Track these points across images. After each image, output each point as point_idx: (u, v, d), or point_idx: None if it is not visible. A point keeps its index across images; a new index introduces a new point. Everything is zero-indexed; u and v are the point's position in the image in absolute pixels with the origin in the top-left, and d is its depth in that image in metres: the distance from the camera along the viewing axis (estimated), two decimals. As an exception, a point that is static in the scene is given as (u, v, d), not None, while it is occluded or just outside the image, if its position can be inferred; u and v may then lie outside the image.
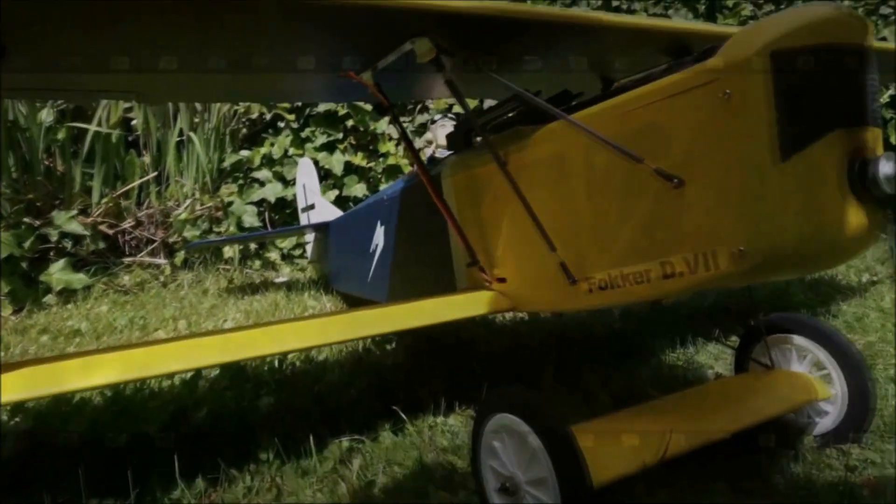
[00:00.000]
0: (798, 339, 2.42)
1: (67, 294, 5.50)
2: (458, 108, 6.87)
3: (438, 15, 1.95)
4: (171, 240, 6.62)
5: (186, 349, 1.97)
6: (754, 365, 2.55)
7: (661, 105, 1.75)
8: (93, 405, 2.82)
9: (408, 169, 7.00)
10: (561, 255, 2.10)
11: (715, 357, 3.30)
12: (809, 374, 2.36)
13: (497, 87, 3.01)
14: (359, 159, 7.11)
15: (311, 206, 5.91)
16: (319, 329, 2.18)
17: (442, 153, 3.44)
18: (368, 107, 7.08)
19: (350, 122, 7.15)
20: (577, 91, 2.44)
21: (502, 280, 2.47)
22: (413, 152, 2.65)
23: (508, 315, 3.97)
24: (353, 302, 4.63)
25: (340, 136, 7.16)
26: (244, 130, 7.42)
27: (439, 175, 2.72)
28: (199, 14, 1.87)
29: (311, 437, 2.31)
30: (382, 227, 3.50)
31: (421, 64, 2.26)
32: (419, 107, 7.25)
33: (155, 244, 6.55)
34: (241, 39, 2.17)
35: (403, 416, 2.48)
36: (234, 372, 3.02)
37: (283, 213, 7.09)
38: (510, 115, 2.44)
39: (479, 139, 2.65)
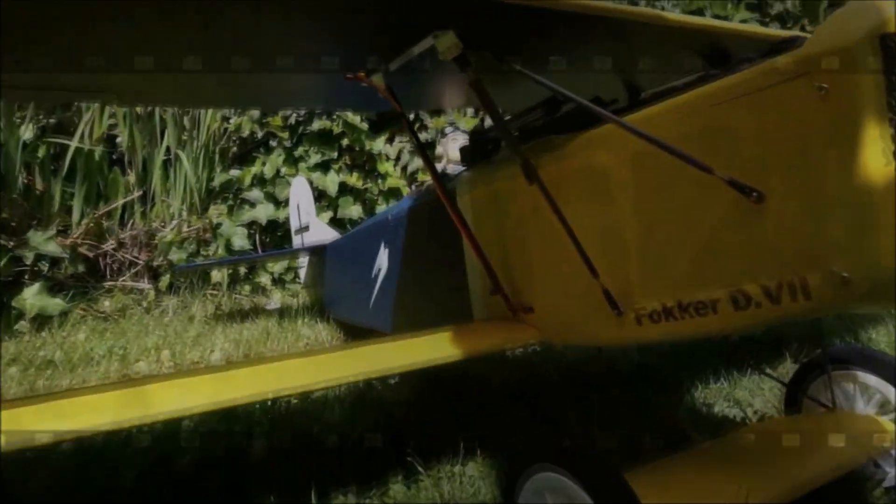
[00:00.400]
0: (863, 375, 2.16)
1: (42, 320, 5.17)
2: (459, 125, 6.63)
3: (468, 3, 1.69)
4: (155, 262, 6.34)
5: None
6: (809, 403, 2.28)
7: (736, 105, 1.49)
8: (60, 451, 2.48)
9: (407, 191, 6.75)
10: (604, 281, 1.82)
11: (751, 392, 3.02)
12: (879, 417, 2.09)
13: (512, 95, 2.77)
14: (354, 180, 6.88)
15: (306, 228, 5.64)
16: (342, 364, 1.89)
17: (454, 169, 3.19)
18: (364, 126, 6.85)
19: (345, 141, 6.91)
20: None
21: (529, 309, 2.19)
22: (428, 163, 2.37)
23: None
24: (351, 330, 4.35)
25: (335, 155, 6.92)
26: (234, 149, 7.17)
27: (453, 192, 2.46)
28: (182, 5, 1.62)
29: (313, 494, 1.99)
30: (386, 250, 3.25)
31: (433, 68, 2.01)
32: (416, 126, 7.00)
33: (138, 267, 6.28)
34: (229, 34, 1.88)
35: (420, 467, 2.16)
36: (221, 412, 2.69)
37: (274, 236, 6.84)
38: (538, 122, 2.19)
39: (500, 151, 2.42)
